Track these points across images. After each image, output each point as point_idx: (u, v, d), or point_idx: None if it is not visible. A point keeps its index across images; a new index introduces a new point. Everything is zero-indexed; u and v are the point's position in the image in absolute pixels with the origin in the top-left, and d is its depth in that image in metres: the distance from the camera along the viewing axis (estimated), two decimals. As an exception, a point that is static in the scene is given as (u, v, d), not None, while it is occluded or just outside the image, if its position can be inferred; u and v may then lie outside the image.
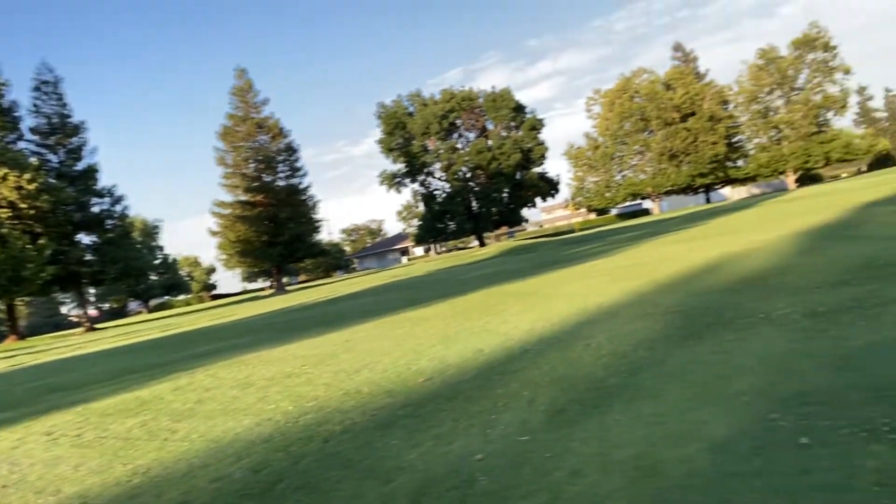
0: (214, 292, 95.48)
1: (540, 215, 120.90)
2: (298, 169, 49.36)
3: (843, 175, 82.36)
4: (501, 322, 6.74)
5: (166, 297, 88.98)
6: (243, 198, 46.99)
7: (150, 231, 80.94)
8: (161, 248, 79.80)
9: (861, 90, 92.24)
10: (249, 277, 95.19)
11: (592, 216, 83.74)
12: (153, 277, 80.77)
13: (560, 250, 22.70)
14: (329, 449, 3.30)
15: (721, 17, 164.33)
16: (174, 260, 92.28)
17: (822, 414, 2.50)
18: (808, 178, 73.45)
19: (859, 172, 79.09)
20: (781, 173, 61.28)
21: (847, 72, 57.39)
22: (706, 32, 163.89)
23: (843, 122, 62.38)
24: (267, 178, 47.72)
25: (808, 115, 57.23)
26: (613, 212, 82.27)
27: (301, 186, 49.17)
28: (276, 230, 46.25)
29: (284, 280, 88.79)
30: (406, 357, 5.60)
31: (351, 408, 4.11)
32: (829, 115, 58.83)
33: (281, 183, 48.40)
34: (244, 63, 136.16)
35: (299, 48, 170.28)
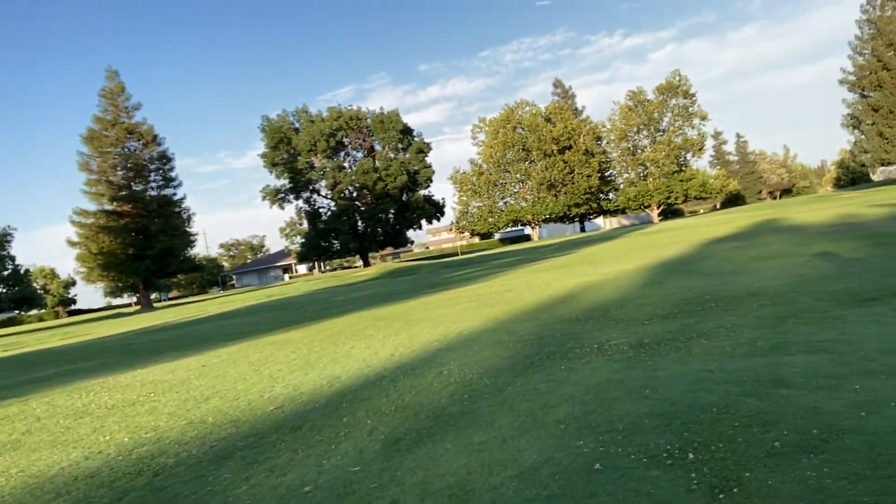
0: (73, 307, 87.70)
1: (426, 237, 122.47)
2: (172, 179, 46.75)
3: (701, 211, 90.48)
4: (365, 347, 6.79)
5: (16, 312, 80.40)
6: (109, 207, 43.71)
7: (1, 239, 73.04)
8: (13, 259, 72.10)
9: (717, 135, 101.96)
10: (114, 292, 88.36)
11: (476, 240, 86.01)
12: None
13: (439, 274, 23.10)
14: (157, 483, 3.18)
15: (598, 59, 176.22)
16: (26, 271, 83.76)
17: (619, 441, 2.78)
18: (671, 212, 79.92)
19: (714, 209, 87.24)
20: (647, 207, 66.26)
21: (704, 118, 63.43)
22: (584, 72, 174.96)
23: (701, 163, 68.64)
24: (137, 188, 44.74)
25: (670, 154, 62.48)
26: (497, 236, 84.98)
27: (175, 197, 46.57)
28: (145, 243, 43.38)
29: (154, 296, 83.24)
30: (261, 384, 5.49)
31: (191, 439, 3.98)
32: (689, 156, 64.60)
33: (152, 193, 45.58)
34: (117, 64, 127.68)
35: (182, 52, 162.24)
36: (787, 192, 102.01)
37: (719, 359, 3.91)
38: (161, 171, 46.46)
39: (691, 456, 2.50)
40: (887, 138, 54.11)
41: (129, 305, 73.51)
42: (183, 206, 47.18)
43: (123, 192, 44.16)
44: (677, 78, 63.20)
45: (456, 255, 52.81)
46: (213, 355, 8.02)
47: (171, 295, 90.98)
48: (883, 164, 57.54)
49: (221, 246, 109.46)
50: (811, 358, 3.58)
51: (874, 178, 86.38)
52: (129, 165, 44.61)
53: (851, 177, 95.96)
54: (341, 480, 2.86)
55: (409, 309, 10.60)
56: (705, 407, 3.04)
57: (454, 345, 6.14)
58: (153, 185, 46.15)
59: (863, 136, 57.05)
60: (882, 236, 9.92)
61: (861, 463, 2.19)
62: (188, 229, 47.60)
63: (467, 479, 2.65)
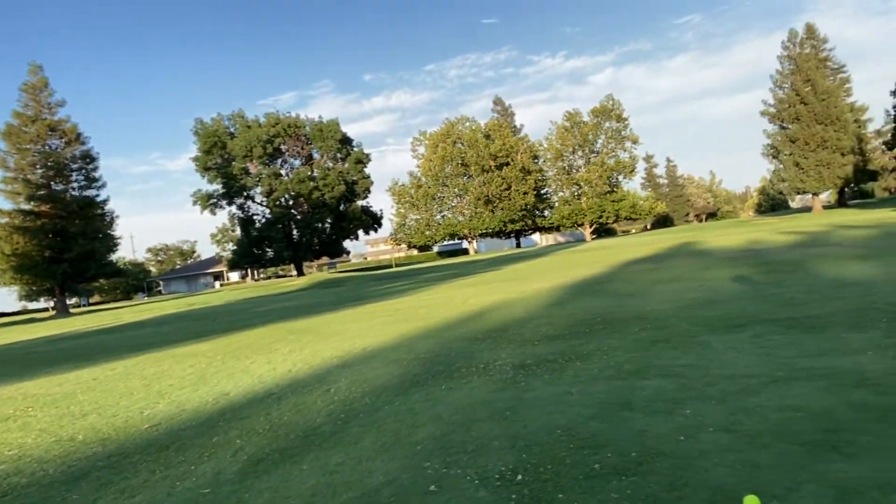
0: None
1: (365, 248, 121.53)
2: (96, 179, 44.70)
3: (633, 230, 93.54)
4: (266, 362, 6.73)
5: (-86, 315, 74.93)
6: (26, 207, 41.43)
7: None
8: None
9: (648, 158, 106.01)
10: (29, 296, 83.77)
11: (415, 252, 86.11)
12: None
13: (366, 286, 23.03)
14: (0, 506, 3.09)
15: (541, 79, 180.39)
16: (-70, 271, 78.31)
17: (463, 462, 2.89)
18: (604, 230, 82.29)
19: (645, 229, 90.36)
20: (581, 225, 68.08)
21: (635, 141, 65.89)
22: (527, 90, 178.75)
23: (633, 185, 71.25)
24: (57, 187, 42.58)
25: (602, 175, 64.51)
26: (435, 249, 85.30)
27: (98, 199, 44.50)
28: (63, 245, 41.25)
29: (74, 301, 79.26)
30: (146, 400, 5.37)
31: (53, 457, 3.86)
32: (620, 177, 66.88)
33: (73, 193, 43.48)
34: (42, 58, 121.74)
35: (116, 47, 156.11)
36: (712, 215, 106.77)
37: (584, 381, 4.11)
38: (84, 171, 44.43)
39: (520, 477, 2.63)
40: (803, 168, 57.54)
41: (45, 310, 69.66)
42: (106, 208, 45.18)
43: (42, 192, 41.94)
44: (611, 102, 65.49)
45: (391, 266, 52.73)
46: (109, 368, 7.76)
47: (92, 300, 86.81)
48: (798, 193, 61.16)
49: (149, 250, 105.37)
50: (662, 382, 3.81)
51: (792, 205, 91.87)
52: (49, 164, 42.45)
53: (772, 203, 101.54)
54: (188, 503, 2.85)
55: (324, 322, 10.55)
56: (552, 429, 3.20)
57: (353, 361, 6.17)
58: (74, 185, 44.05)
59: (781, 166, 60.46)
60: (776, 263, 10.58)
61: (660, 485, 2.36)
62: (111, 232, 45.60)
63: (311, 500, 2.70)
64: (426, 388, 4.57)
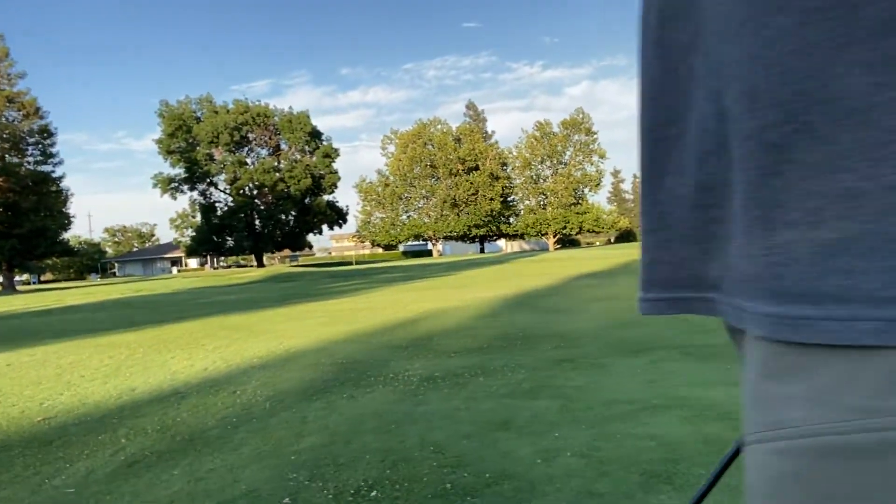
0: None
1: (330, 242, 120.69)
2: (52, 155, 43.49)
3: (597, 243, 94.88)
4: (186, 358, 6.69)
5: None
6: (-24, 178, 40.14)
7: None
8: None
9: (616, 173, 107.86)
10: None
11: (380, 250, 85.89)
12: None
13: (319, 283, 22.91)
14: None
15: (518, 86, 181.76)
16: None
17: (327, 475, 2.95)
18: (568, 241, 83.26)
19: (608, 242, 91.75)
20: (544, 234, 68.85)
21: (602, 156, 66.92)
22: (504, 96, 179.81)
23: (599, 198, 72.43)
24: (11, 161, 41.37)
25: (569, 187, 65.34)
26: (401, 248, 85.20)
27: (53, 175, 43.35)
28: (14, 220, 40.02)
29: (24, 278, 76.88)
30: (51, 390, 5.30)
31: (-68, 448, 3.80)
32: (586, 190, 67.85)
33: (28, 167, 42.26)
34: (4, 27, 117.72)
35: (84, 19, 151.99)
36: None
37: (478, 398, 4.21)
38: (41, 146, 43.23)
39: (374, 493, 2.71)
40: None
41: (-9, 286, 67.32)
42: (62, 185, 44.05)
43: (-5, 164, 40.71)
44: (581, 115, 66.46)
45: (351, 264, 52.52)
46: (28, 353, 7.61)
47: (44, 278, 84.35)
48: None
49: (107, 230, 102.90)
50: (549, 403, 3.94)
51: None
52: (4, 136, 41.17)
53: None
54: (48, 503, 2.86)
55: (261, 319, 10.50)
56: (426, 445, 3.28)
57: (271, 363, 6.18)
58: (30, 159, 42.87)
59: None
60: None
61: (496, 508, 2.47)
62: (65, 210, 44.46)
63: (168, 506, 2.73)
64: (329, 395, 4.62)
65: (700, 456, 2.85)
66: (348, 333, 7.96)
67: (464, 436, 3.41)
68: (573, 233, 69.31)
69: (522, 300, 10.94)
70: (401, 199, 67.22)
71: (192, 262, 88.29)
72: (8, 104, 41.61)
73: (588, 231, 69.39)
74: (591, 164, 66.88)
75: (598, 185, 68.34)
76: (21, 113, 42.46)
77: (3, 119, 41.69)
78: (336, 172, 63.22)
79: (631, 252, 36.65)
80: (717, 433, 3.13)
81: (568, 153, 67.05)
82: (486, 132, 72.21)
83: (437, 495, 2.64)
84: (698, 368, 4.61)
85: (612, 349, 5.62)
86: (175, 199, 60.22)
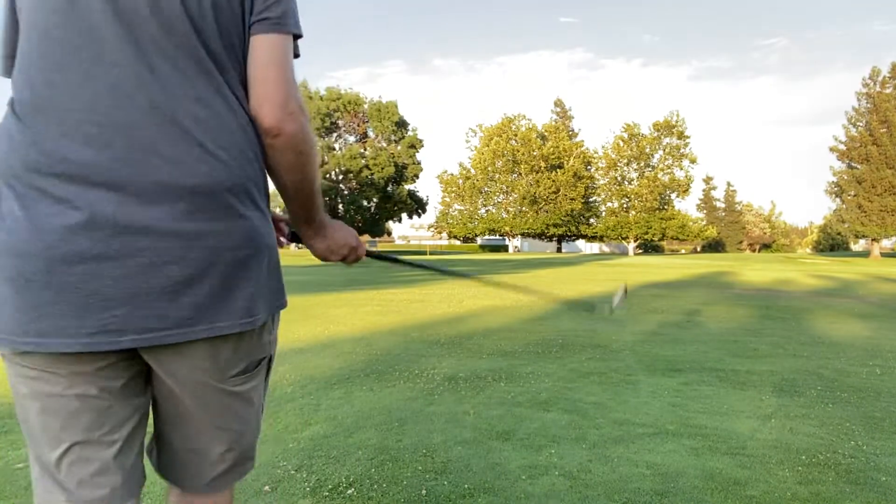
0: None
1: (410, 231, 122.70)
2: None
3: (682, 251, 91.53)
4: (235, 335, 6.98)
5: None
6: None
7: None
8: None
9: (707, 179, 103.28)
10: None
11: (457, 242, 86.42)
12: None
13: (388, 271, 23.29)
14: None
15: (612, 84, 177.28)
16: None
17: (315, 467, 3.00)
18: (651, 247, 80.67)
19: (694, 251, 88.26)
20: (625, 238, 67.05)
21: (693, 161, 64.30)
22: (595, 94, 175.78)
23: (687, 204, 69.83)
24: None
25: (654, 191, 63.24)
26: (479, 242, 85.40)
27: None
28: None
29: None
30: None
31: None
32: (673, 195, 65.45)
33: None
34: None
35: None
36: (766, 246, 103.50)
37: (490, 403, 4.16)
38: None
39: (351, 491, 2.73)
40: (865, 211, 55.20)
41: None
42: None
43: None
44: (675, 118, 64.03)
45: (425, 253, 53.07)
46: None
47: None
48: (857, 236, 58.63)
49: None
50: (559, 416, 3.84)
51: (853, 247, 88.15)
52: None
53: (831, 243, 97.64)
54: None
55: (319, 302, 10.80)
56: (419, 447, 3.28)
57: (310, 347, 6.36)
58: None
59: (843, 206, 58.11)
60: (777, 309, 10.29)
61: (460, 521, 2.43)
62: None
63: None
64: (350, 385, 4.70)
65: (692, 491, 2.70)
66: (393, 324, 8.06)
67: (460, 441, 3.38)
68: (656, 238, 67.11)
69: (578, 304, 10.70)
70: (480, 192, 67.25)
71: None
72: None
73: (673, 238, 67.01)
74: (681, 169, 64.48)
75: (687, 190, 65.83)
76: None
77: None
78: (419, 163, 64.06)
79: (712, 264, 35.14)
80: (721, 469, 2.95)
81: (657, 156, 64.90)
82: (573, 130, 70.95)
83: (409, 500, 2.63)
84: (729, 396, 4.35)
85: (645, 365, 5.41)
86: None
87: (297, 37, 1.18)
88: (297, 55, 1.19)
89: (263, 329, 1.24)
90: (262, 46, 1.12)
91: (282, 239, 1.43)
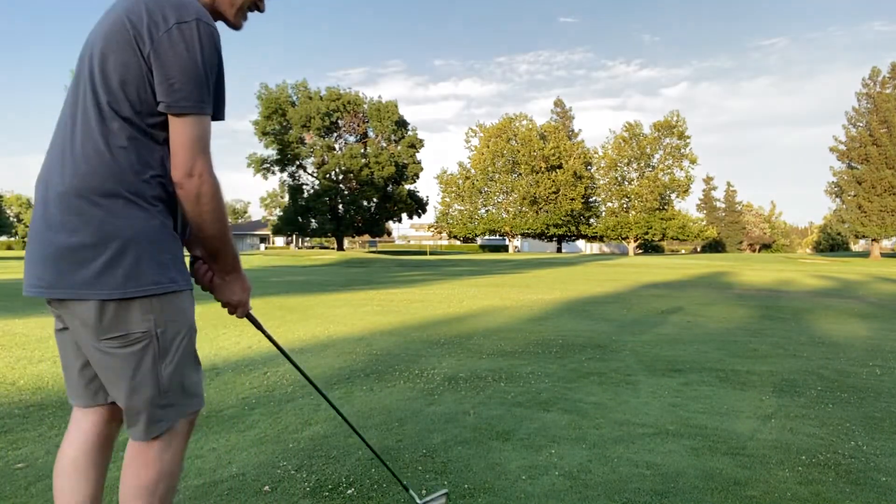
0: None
1: (410, 230, 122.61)
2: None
3: (682, 251, 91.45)
4: (235, 335, 6.97)
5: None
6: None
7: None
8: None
9: (708, 179, 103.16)
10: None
11: (457, 242, 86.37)
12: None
13: (388, 271, 23.33)
14: None
15: (612, 84, 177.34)
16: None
17: (315, 466, 3.00)
18: (651, 247, 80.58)
19: (694, 251, 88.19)
20: (625, 238, 67.02)
21: (693, 161, 64.28)
22: (596, 94, 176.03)
23: (687, 205, 69.91)
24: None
25: (654, 191, 63.21)
26: (479, 241, 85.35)
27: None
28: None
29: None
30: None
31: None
32: (673, 195, 65.43)
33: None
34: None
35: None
36: (766, 246, 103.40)
37: (490, 404, 4.16)
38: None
39: (351, 491, 2.73)
40: (865, 212, 55.17)
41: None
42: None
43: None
44: (675, 118, 64.02)
45: (425, 254, 53.14)
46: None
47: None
48: (857, 236, 58.61)
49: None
50: (559, 417, 3.84)
51: (853, 247, 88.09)
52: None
53: (831, 243, 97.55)
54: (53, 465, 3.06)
55: (319, 302, 10.80)
56: (419, 447, 3.28)
57: (310, 347, 6.36)
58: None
59: (843, 206, 58.06)
60: (777, 309, 10.28)
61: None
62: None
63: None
64: (350, 385, 4.70)
65: (692, 492, 2.70)
66: (394, 325, 8.06)
67: (460, 441, 3.38)
68: (656, 238, 67.09)
69: (578, 306, 10.70)
70: (480, 192, 67.24)
71: (279, 241, 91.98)
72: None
73: (673, 238, 67.01)
74: (681, 170, 64.47)
75: (687, 191, 65.82)
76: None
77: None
78: (419, 163, 64.07)
79: (712, 264, 35.11)
80: (721, 469, 2.95)
81: (657, 156, 64.88)
82: (573, 130, 70.94)
83: (409, 501, 2.63)
84: (729, 396, 4.35)
85: (646, 366, 5.41)
86: (266, 179, 62.94)
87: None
88: (218, 118, 1.67)
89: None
90: (171, 127, 1.54)
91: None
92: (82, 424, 1.78)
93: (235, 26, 1.81)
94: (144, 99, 1.52)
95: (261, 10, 1.84)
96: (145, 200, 1.55)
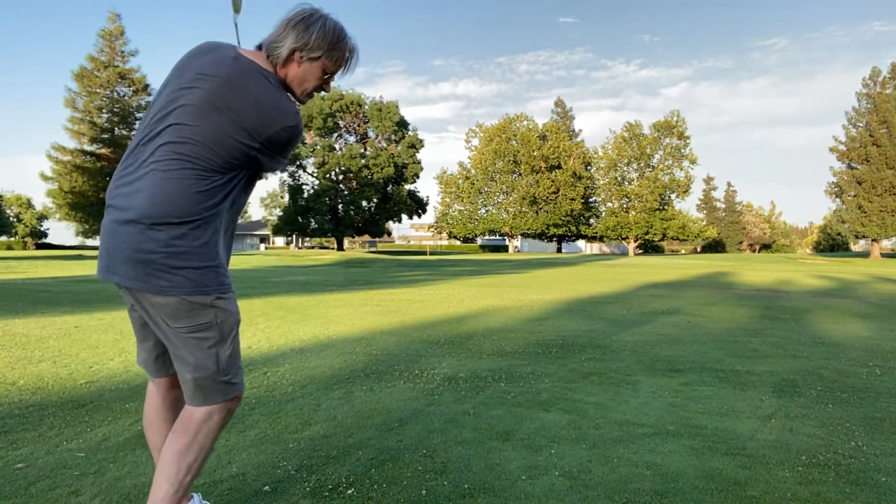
0: (43, 241, 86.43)
1: (410, 231, 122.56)
2: (157, 132, 46.37)
3: (682, 251, 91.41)
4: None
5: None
6: (88, 147, 43.41)
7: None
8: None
9: (708, 180, 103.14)
10: (86, 233, 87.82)
11: (457, 242, 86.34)
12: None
13: (388, 271, 23.33)
14: None
15: (612, 84, 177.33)
16: None
17: (315, 467, 2.99)
18: (652, 247, 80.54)
19: (694, 251, 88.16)
20: (625, 238, 67.01)
21: (693, 162, 64.29)
22: (596, 94, 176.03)
23: (688, 205, 69.95)
24: (120, 133, 44.48)
25: (654, 191, 63.21)
26: (479, 242, 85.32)
27: (157, 149, 46.17)
28: (118, 190, 43.04)
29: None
30: (105, 355, 5.66)
31: (-16, 398, 4.15)
32: (673, 196, 65.43)
33: (134, 141, 45.25)
34: (123, 7, 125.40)
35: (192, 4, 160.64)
36: (766, 247, 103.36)
37: (490, 404, 4.15)
38: (147, 122, 46.09)
39: (351, 491, 2.72)
40: (865, 212, 55.16)
41: (97, 248, 72.79)
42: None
43: (105, 135, 43.90)
44: (675, 118, 64.02)
45: (425, 254, 53.15)
46: (98, 317, 8.17)
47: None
48: (857, 236, 58.60)
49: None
50: (559, 417, 3.84)
51: (853, 247, 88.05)
52: (115, 109, 44.35)
53: (831, 243, 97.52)
54: (53, 464, 3.06)
55: (318, 302, 10.80)
56: (419, 447, 3.27)
57: (310, 347, 6.35)
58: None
59: (843, 206, 58.05)
60: (777, 309, 10.28)
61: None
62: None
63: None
64: (350, 385, 4.69)
65: (692, 492, 2.70)
66: (393, 325, 8.06)
67: (460, 442, 3.38)
68: (656, 239, 67.09)
69: (578, 306, 10.70)
70: (480, 192, 67.22)
71: (279, 241, 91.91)
72: (120, 80, 44.69)
73: (673, 238, 67.00)
74: (681, 170, 64.48)
75: (687, 191, 65.81)
76: (131, 89, 45.54)
77: (115, 93, 44.85)
78: (419, 163, 64.05)
79: (712, 264, 35.11)
80: (720, 469, 2.95)
81: (657, 156, 64.88)
82: (573, 130, 70.94)
83: (409, 500, 2.63)
84: (729, 396, 4.35)
85: (646, 366, 5.41)
86: (266, 178, 62.84)
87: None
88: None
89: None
90: None
91: None
92: (153, 390, 2.25)
93: (301, 102, 2.12)
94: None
95: (326, 91, 2.17)
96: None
